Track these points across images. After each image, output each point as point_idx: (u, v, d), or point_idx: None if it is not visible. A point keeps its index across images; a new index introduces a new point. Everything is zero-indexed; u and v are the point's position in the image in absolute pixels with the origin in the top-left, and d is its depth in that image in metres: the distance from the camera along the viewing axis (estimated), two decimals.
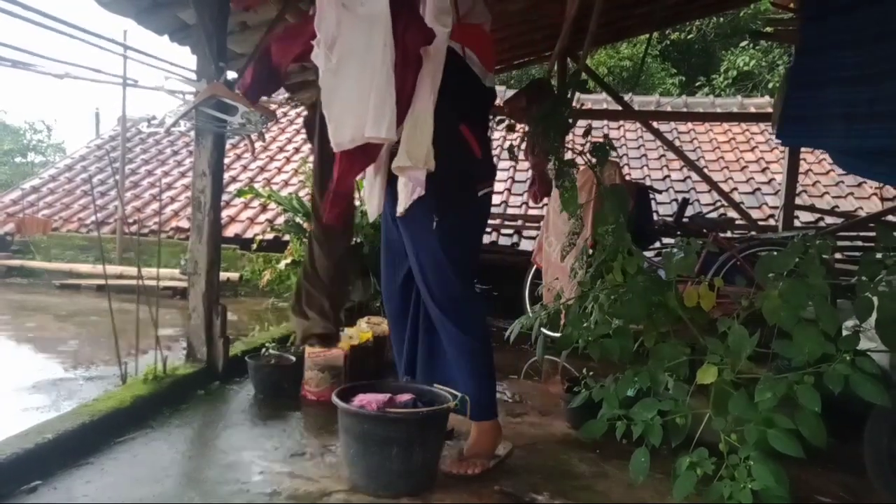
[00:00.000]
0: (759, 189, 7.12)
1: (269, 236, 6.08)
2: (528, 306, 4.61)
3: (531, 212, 6.66)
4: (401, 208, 2.34)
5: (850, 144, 3.13)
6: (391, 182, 2.34)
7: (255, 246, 5.60)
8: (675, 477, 1.64)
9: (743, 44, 13.23)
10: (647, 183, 6.92)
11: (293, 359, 3.05)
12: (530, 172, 3.55)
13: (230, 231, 7.03)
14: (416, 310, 2.45)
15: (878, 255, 1.71)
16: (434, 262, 2.31)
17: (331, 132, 2.04)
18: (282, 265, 5.44)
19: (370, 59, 1.99)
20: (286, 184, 7.88)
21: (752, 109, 8.94)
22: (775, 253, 1.79)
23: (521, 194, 7.06)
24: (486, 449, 2.27)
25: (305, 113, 2.70)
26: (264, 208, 7.39)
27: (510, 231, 6.43)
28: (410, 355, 2.47)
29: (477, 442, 2.29)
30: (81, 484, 1.98)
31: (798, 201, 5.50)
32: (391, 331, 2.65)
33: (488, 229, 6.42)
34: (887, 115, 2.92)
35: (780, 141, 4.26)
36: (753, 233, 5.25)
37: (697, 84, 13.70)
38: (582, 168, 3.01)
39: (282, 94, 6.75)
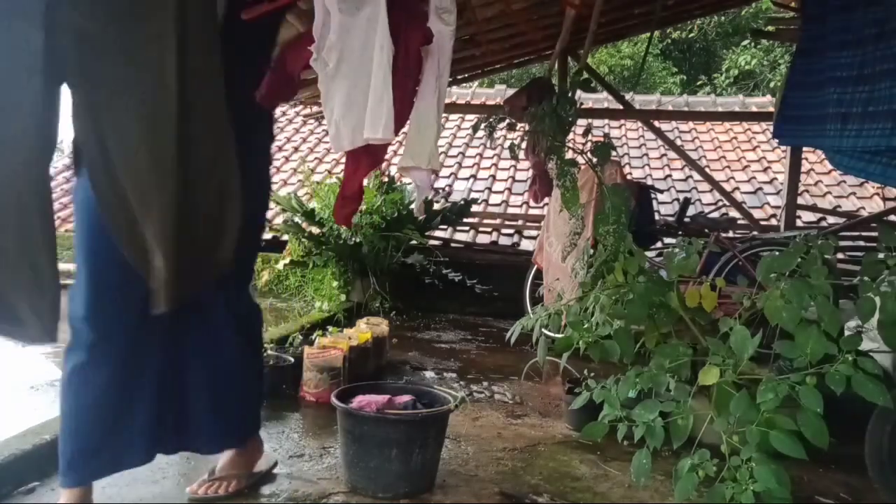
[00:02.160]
0: (760, 189, 7.09)
1: (268, 236, 6.05)
2: (528, 307, 4.60)
3: (532, 211, 6.64)
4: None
5: (845, 144, 3.13)
6: None
7: None
8: (677, 478, 1.64)
9: (744, 43, 13.22)
10: (649, 182, 6.90)
11: (291, 360, 3.04)
12: (531, 172, 3.55)
13: None
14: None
15: (881, 256, 1.71)
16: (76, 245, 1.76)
17: (330, 135, 2.03)
18: (280, 265, 5.43)
19: (367, 62, 1.98)
20: (285, 183, 7.83)
21: (754, 108, 8.91)
22: (777, 253, 1.79)
23: (522, 194, 7.03)
24: (242, 469, 2.02)
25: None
26: None
27: (510, 231, 6.41)
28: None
29: (233, 461, 2.02)
30: None
31: (800, 201, 5.47)
32: None
33: (488, 229, 6.41)
34: (881, 114, 2.92)
35: (777, 140, 4.25)
36: (755, 233, 5.24)
37: (699, 83, 13.70)
38: (583, 167, 3.00)
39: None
